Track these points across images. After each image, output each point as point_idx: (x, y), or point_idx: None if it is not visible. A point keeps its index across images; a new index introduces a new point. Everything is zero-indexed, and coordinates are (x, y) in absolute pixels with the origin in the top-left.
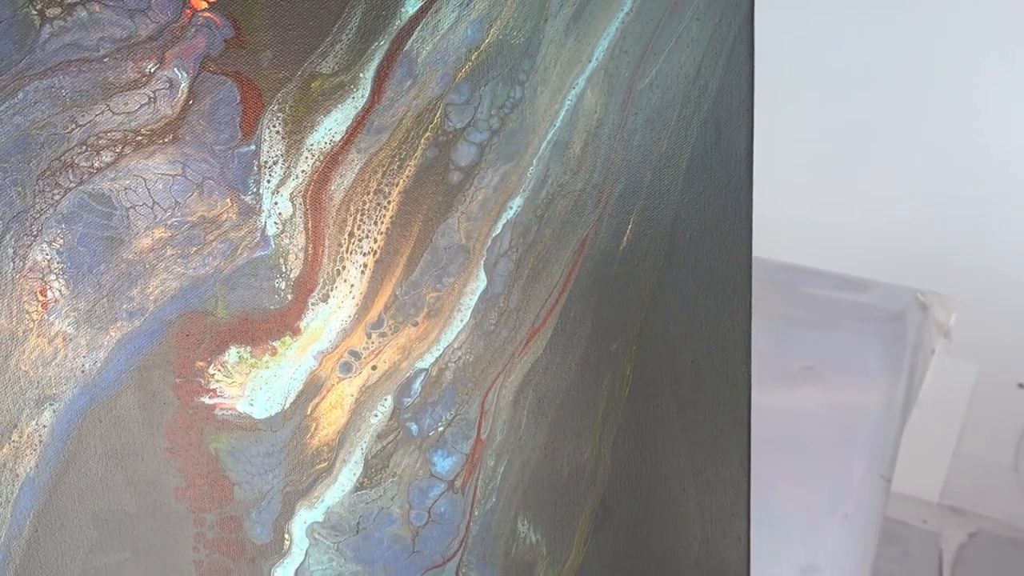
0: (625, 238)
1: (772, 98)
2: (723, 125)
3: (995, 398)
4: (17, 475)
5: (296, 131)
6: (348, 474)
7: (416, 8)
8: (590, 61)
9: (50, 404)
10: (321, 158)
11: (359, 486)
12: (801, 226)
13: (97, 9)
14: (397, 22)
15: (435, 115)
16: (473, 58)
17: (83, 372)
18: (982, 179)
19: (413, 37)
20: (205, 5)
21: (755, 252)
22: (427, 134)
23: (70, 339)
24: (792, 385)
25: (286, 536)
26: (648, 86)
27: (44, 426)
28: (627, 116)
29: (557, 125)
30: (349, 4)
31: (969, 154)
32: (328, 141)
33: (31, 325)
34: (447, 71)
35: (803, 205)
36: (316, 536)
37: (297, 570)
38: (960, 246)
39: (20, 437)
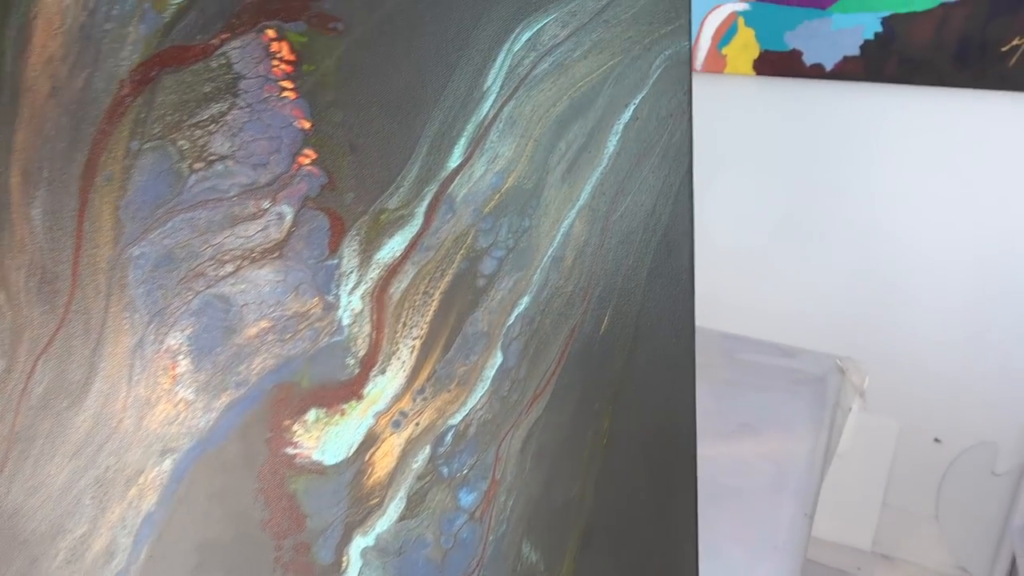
0: (603, 326)
1: (714, 188)
2: (672, 245)
3: (915, 452)
4: (140, 511)
5: (368, 249)
6: (395, 507)
7: (457, 163)
8: (579, 200)
9: (171, 455)
10: (385, 269)
11: (402, 517)
12: (740, 300)
13: (231, 164)
14: (443, 172)
15: (468, 238)
16: (496, 198)
17: (198, 429)
18: (893, 255)
19: (455, 183)
20: (308, 161)
21: (702, 323)
22: (462, 251)
23: (190, 404)
24: (732, 439)
25: (344, 558)
26: (619, 217)
27: (165, 471)
28: (605, 239)
29: (555, 245)
30: (410, 160)
31: (880, 234)
32: (391, 256)
33: (162, 393)
34: (477, 206)
35: (742, 282)
36: (368, 557)
37: None
38: (877, 314)
39: (145, 480)
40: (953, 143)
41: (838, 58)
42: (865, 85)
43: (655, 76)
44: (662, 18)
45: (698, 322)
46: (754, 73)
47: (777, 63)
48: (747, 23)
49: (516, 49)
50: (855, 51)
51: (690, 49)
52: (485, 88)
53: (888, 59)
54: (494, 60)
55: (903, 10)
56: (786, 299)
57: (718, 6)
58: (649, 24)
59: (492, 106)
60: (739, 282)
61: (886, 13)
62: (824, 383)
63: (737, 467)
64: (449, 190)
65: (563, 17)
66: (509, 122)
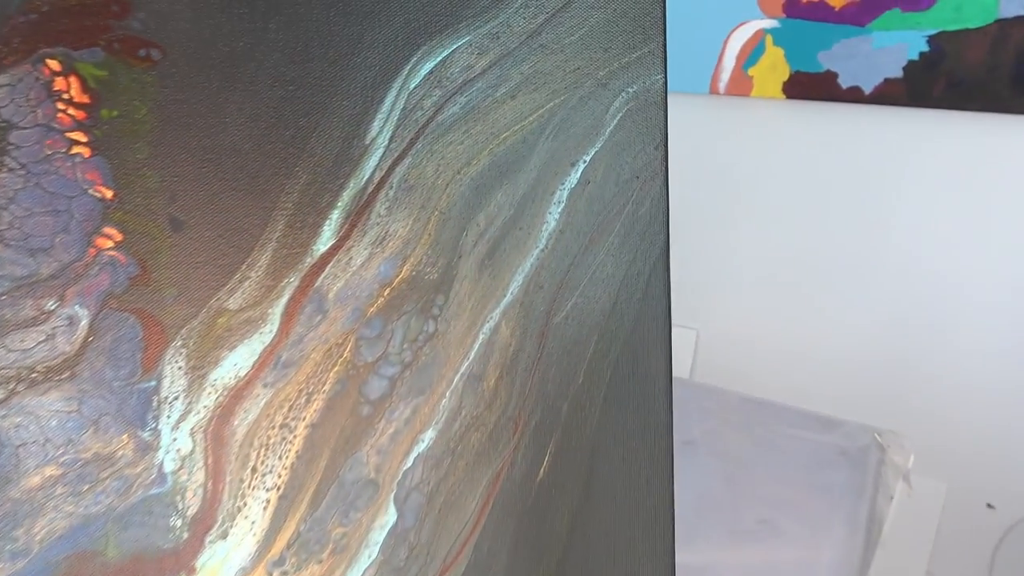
0: (542, 470)
1: (737, 224)
2: (640, 354)
3: (965, 518)
4: None
5: (200, 366)
6: None
7: (328, 245)
8: (505, 296)
9: None
10: (225, 393)
11: None
12: (762, 351)
13: None
14: (308, 258)
15: (346, 349)
16: (386, 294)
17: None
18: (938, 299)
19: (325, 273)
20: (111, 244)
21: (713, 381)
22: (337, 368)
23: None
24: (748, 541)
25: None
26: (564, 320)
27: None
28: (544, 349)
29: (471, 358)
30: (259, 242)
31: (924, 276)
32: (233, 376)
33: None
34: (359, 305)
35: (766, 329)
36: None
37: None
38: (919, 362)
39: None
40: (1008, 176)
41: (878, 80)
42: (909, 111)
43: (614, 123)
44: (623, 42)
45: (710, 379)
46: (784, 96)
47: (809, 85)
48: (776, 42)
49: (412, 86)
50: (897, 72)
51: (665, 84)
52: (368, 140)
53: (935, 82)
54: (380, 101)
55: (953, 27)
56: (816, 348)
57: (743, 23)
58: (605, 50)
59: (378, 166)
60: (762, 329)
61: (933, 31)
62: (862, 463)
63: None
64: (317, 283)
65: (480, 41)
66: (404, 188)
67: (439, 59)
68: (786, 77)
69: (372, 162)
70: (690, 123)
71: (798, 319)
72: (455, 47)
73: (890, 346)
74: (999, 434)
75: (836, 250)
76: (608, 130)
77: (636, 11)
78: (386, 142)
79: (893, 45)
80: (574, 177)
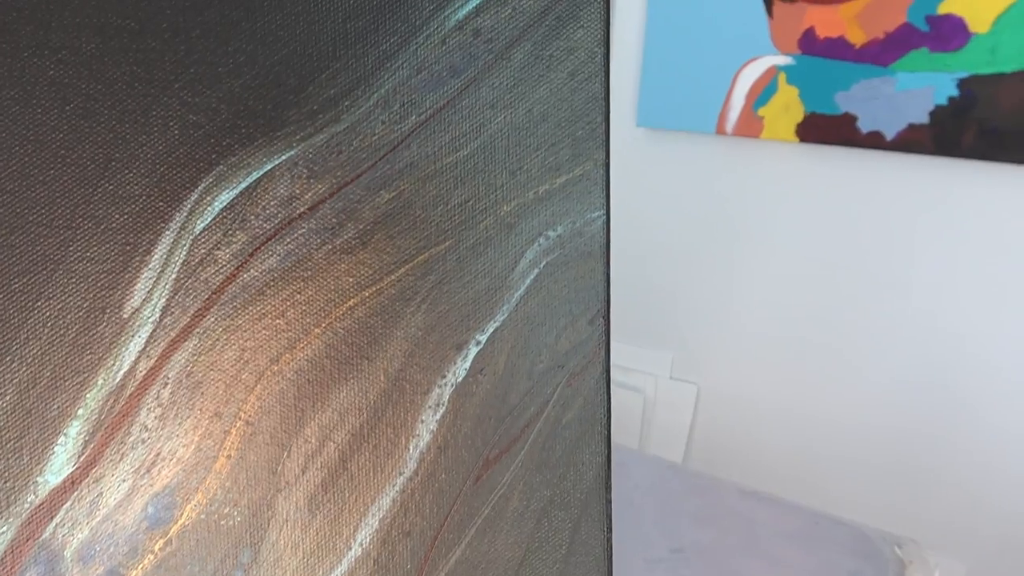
0: None
1: (743, 277)
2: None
3: None
4: None
5: None
6: None
7: (61, 477)
8: (350, 548)
9: None
10: None
11: None
12: (767, 425)
13: None
14: (29, 497)
15: None
16: (157, 549)
17: None
18: (965, 365)
19: (57, 519)
20: None
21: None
22: None
23: None
24: None
25: None
26: None
27: None
28: None
29: None
30: None
31: (949, 339)
32: None
33: None
34: (114, 568)
35: (771, 400)
36: None
37: None
38: (944, 438)
39: None
40: None
41: (902, 126)
42: (935, 160)
43: (525, 285)
44: (542, 161)
45: (710, 435)
46: (797, 139)
47: (825, 129)
48: (789, 80)
49: (200, 228)
50: (923, 118)
51: (606, 225)
52: (127, 313)
53: (965, 129)
54: (147, 252)
55: (986, 71)
56: (823, 412)
57: (754, 58)
58: (512, 174)
59: (144, 352)
60: (766, 387)
61: (964, 74)
62: None
63: None
64: (44, 534)
65: (312, 157)
66: (186, 385)
67: (244, 186)
68: (800, 119)
69: (134, 347)
70: (693, 166)
71: (804, 379)
72: (270, 166)
73: (907, 416)
74: None
75: (850, 309)
76: (516, 295)
77: (564, 114)
78: (157, 316)
79: (919, 88)
80: (461, 367)
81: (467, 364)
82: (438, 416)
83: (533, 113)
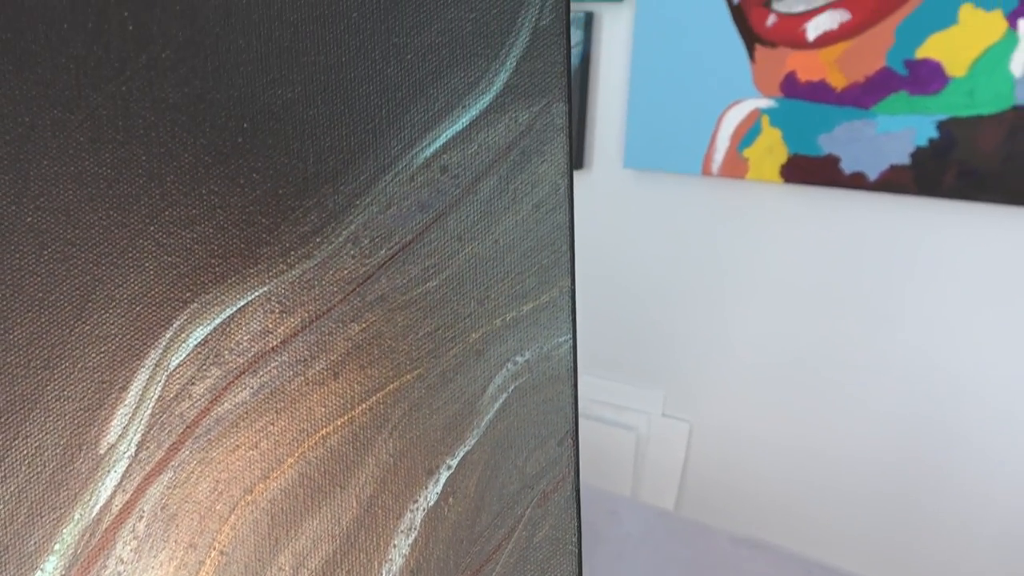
0: None
1: (727, 318)
2: None
3: None
4: None
5: None
6: None
7: None
8: None
9: None
10: None
11: None
12: (757, 451)
13: None
14: None
15: None
16: None
17: None
18: (955, 404)
19: None
20: None
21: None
22: None
23: None
24: None
25: None
26: None
27: None
28: None
29: None
30: None
31: (936, 377)
32: None
33: None
34: None
35: (762, 444)
36: None
37: None
38: (935, 480)
39: None
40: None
41: (884, 167)
42: (917, 199)
43: (494, 409)
44: (509, 289)
45: (702, 472)
46: (781, 180)
47: (809, 170)
48: (773, 122)
49: (175, 364)
50: (905, 159)
51: (573, 349)
52: (104, 448)
53: (945, 170)
54: (123, 388)
55: (965, 113)
56: (815, 448)
57: (738, 101)
58: (480, 302)
59: (120, 486)
60: (758, 425)
61: (943, 116)
62: None
63: None
64: None
65: (284, 292)
66: (162, 518)
67: (217, 322)
68: (784, 160)
69: (110, 481)
70: (680, 206)
71: (794, 415)
72: (243, 303)
73: (896, 451)
74: None
75: (837, 347)
76: (486, 420)
77: (530, 243)
78: (132, 450)
79: (900, 130)
80: (433, 491)
81: (438, 488)
82: (410, 540)
83: (500, 243)
